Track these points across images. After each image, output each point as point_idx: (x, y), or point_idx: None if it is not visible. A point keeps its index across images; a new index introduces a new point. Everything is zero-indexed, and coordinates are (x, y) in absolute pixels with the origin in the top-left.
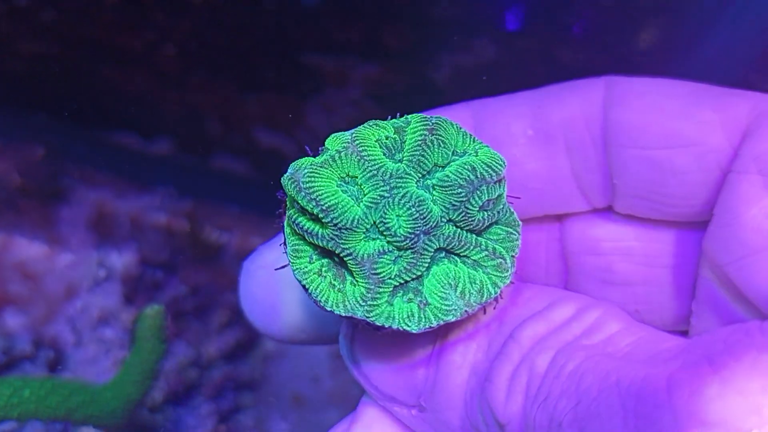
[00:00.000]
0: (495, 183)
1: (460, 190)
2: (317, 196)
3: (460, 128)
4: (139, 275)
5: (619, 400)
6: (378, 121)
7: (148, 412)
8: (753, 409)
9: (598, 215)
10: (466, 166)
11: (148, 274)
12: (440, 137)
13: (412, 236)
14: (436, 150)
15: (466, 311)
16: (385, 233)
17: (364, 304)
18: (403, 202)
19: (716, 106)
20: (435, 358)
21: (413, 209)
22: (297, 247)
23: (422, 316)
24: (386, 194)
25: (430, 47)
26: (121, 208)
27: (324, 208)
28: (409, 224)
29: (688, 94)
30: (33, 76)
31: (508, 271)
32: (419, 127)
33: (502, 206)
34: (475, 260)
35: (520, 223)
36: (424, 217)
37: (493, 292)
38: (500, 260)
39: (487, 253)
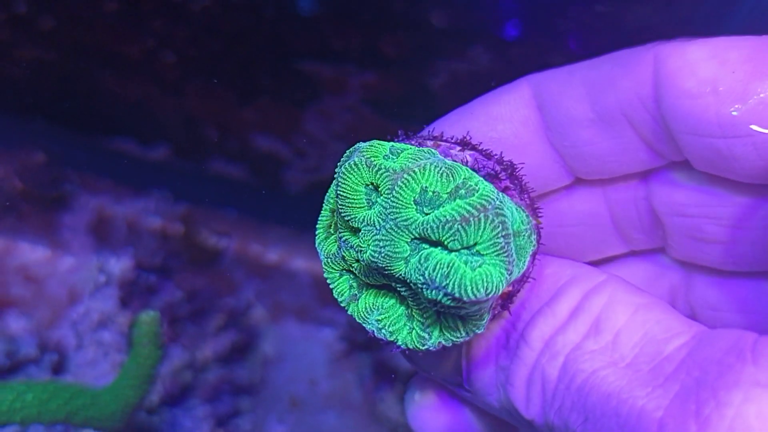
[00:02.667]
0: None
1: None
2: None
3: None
4: (135, 279)
5: (618, 428)
6: (370, 153)
7: (146, 414)
8: None
9: (682, 177)
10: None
11: (143, 279)
12: (406, 184)
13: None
14: (406, 194)
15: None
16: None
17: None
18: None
19: None
20: (465, 352)
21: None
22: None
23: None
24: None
25: (426, 55)
26: (119, 212)
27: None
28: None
29: (745, 58)
30: (32, 83)
31: (483, 320)
32: (392, 176)
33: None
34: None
35: (512, 260)
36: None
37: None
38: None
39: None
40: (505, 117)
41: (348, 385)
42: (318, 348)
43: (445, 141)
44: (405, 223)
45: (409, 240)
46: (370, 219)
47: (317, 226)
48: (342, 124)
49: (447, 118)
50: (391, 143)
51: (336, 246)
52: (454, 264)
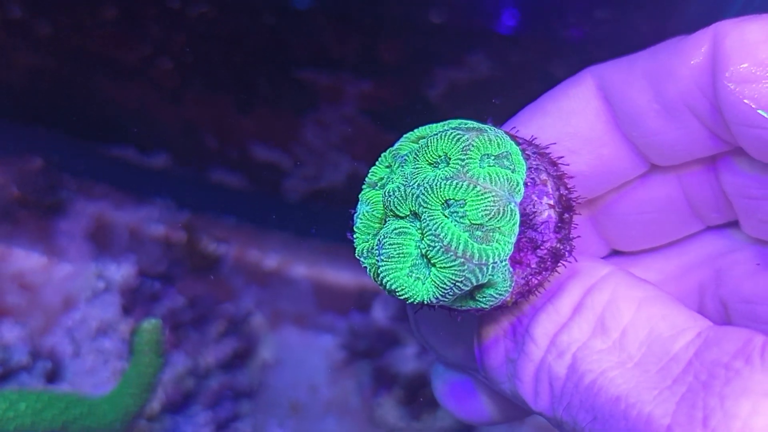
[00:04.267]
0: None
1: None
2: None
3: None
4: (138, 287)
5: (625, 430)
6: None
7: (146, 422)
8: None
9: (739, 160)
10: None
11: (146, 286)
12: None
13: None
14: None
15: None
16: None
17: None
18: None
19: None
20: (477, 341)
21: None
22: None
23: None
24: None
25: (425, 62)
26: (119, 220)
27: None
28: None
29: None
30: (30, 89)
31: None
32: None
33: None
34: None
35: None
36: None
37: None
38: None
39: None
40: (578, 110)
41: (348, 392)
42: (317, 354)
43: (534, 150)
44: (422, 204)
45: (413, 210)
46: (419, 173)
47: (419, 129)
48: (339, 134)
49: (519, 117)
50: (521, 146)
51: (407, 151)
52: (405, 257)
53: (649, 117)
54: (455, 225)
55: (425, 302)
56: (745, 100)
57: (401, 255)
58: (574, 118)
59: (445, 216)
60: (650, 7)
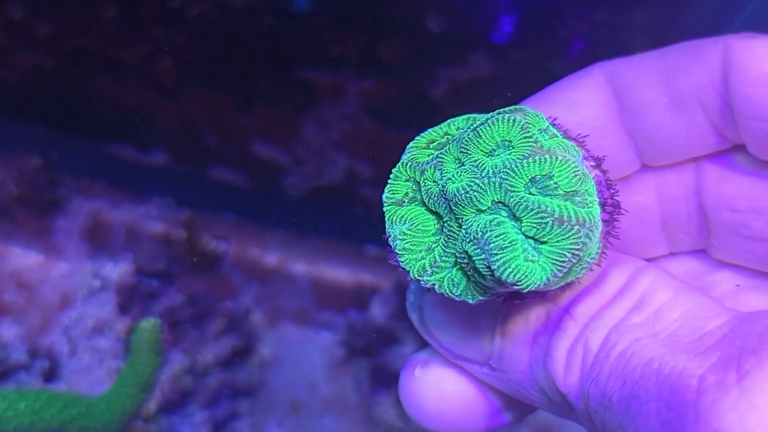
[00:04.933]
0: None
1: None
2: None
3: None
4: (135, 285)
5: (656, 388)
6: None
7: (143, 422)
8: (762, 422)
9: (733, 169)
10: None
11: (143, 284)
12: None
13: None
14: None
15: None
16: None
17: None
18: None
19: None
20: (500, 327)
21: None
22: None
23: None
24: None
25: (425, 61)
26: (117, 218)
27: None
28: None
29: None
30: (29, 88)
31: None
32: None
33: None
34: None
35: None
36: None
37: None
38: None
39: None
40: (587, 101)
41: (347, 390)
42: (317, 352)
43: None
44: (509, 188)
45: (497, 200)
46: (483, 164)
47: (424, 134)
48: (340, 132)
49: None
50: (550, 123)
51: (426, 158)
52: (515, 243)
53: (656, 110)
54: (551, 198)
55: (540, 285)
56: (756, 98)
57: (512, 243)
58: (582, 107)
59: (532, 194)
60: (649, 9)
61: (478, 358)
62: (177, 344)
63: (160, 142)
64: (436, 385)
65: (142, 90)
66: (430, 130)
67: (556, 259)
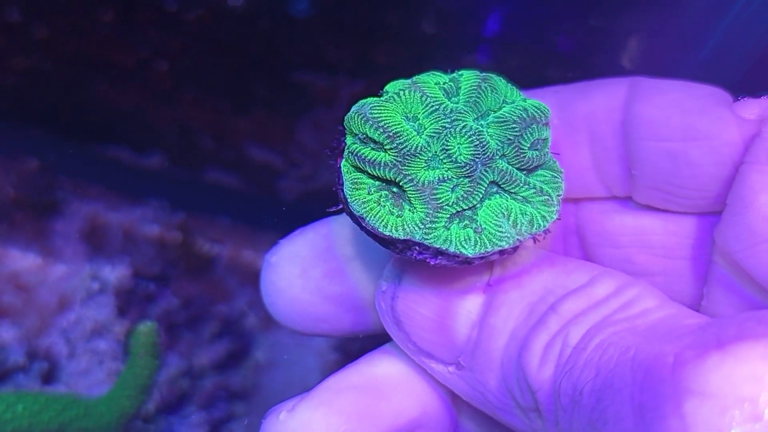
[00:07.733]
0: (543, 125)
1: (514, 125)
2: (384, 124)
3: (508, 82)
4: (132, 288)
5: (630, 373)
6: (435, 71)
7: (141, 422)
8: (751, 376)
9: (615, 207)
10: (518, 107)
11: (141, 287)
12: (492, 85)
13: (472, 163)
14: (490, 95)
15: (518, 239)
16: (446, 161)
17: (422, 227)
18: (464, 131)
19: (732, 106)
20: (478, 320)
21: (474, 137)
22: (356, 180)
23: (478, 240)
24: (448, 126)
25: (419, 65)
26: (114, 220)
27: (391, 134)
28: (470, 151)
29: (707, 95)
30: (26, 91)
31: (555, 207)
32: (473, 76)
33: (547, 150)
34: (524, 197)
35: (563, 170)
36: (483, 146)
37: (542, 224)
38: (547, 197)
39: (534, 190)
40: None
41: None
42: (311, 356)
43: None
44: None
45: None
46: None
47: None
48: (334, 135)
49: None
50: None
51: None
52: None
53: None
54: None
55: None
56: (656, 119)
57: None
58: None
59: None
60: (643, 15)
61: (446, 355)
62: (173, 347)
63: (156, 145)
64: (304, 429)
65: (138, 93)
66: (415, 77)
67: (555, 174)
